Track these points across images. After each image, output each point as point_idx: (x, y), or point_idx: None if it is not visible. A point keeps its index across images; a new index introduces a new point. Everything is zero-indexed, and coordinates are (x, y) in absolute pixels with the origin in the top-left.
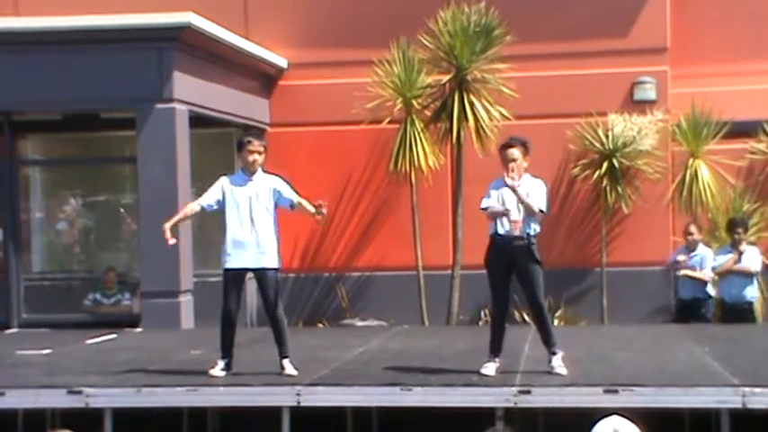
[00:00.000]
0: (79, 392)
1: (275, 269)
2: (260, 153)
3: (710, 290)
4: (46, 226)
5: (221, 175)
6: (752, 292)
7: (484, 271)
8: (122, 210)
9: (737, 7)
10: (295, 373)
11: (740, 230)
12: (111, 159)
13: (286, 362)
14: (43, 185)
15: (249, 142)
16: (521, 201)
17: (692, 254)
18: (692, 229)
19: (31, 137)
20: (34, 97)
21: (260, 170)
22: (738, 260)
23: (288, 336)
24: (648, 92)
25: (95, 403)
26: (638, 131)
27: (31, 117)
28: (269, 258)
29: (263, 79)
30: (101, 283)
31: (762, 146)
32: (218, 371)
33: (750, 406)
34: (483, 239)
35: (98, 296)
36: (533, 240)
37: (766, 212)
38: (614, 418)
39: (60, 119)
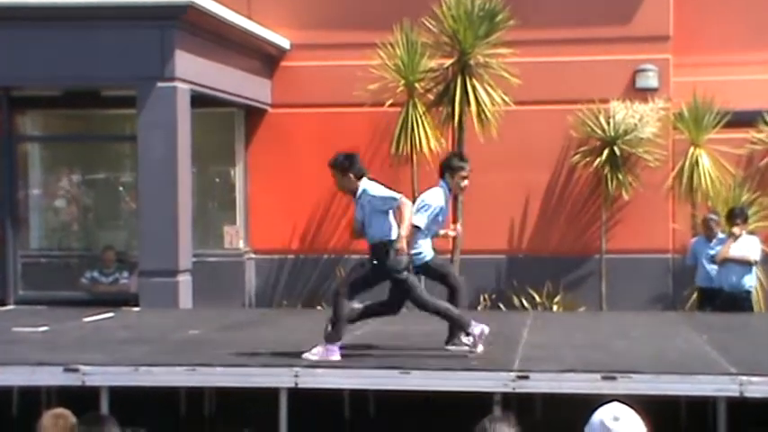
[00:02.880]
0: (76, 370)
1: None
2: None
3: (752, 279)
4: (44, 203)
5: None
6: (750, 281)
7: (484, 255)
8: (121, 188)
9: None
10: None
11: (738, 221)
12: (111, 137)
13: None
14: (42, 162)
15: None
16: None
17: (713, 243)
18: (711, 222)
19: (30, 113)
20: (34, 73)
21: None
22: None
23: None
24: (650, 80)
25: (92, 381)
26: (639, 119)
27: (30, 93)
28: None
29: (265, 60)
30: (99, 262)
31: (762, 135)
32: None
33: (747, 395)
34: (482, 224)
35: (96, 274)
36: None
37: (765, 202)
38: (614, 404)
39: (60, 95)
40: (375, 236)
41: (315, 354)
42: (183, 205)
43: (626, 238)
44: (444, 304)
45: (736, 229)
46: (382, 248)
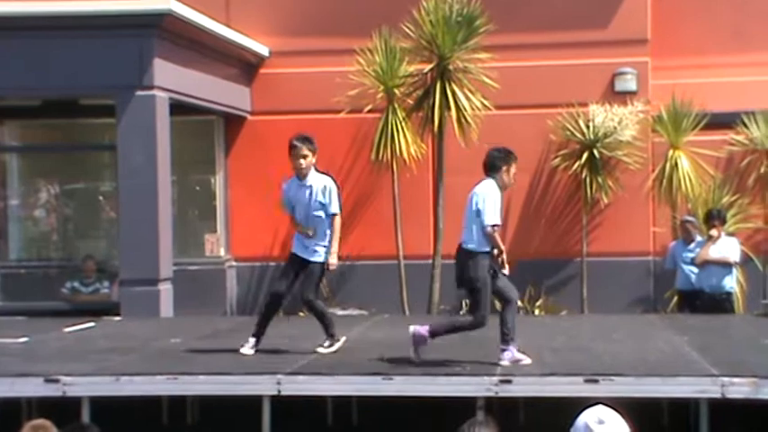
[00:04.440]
0: (56, 381)
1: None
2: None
3: (732, 281)
4: (23, 213)
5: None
6: (730, 283)
7: None
8: (101, 197)
9: None
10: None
11: (716, 223)
12: (91, 146)
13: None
14: (21, 172)
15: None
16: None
17: (691, 246)
18: (688, 225)
19: (9, 123)
20: (12, 83)
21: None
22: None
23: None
24: (629, 83)
25: (73, 392)
26: (618, 122)
27: (8, 103)
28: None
29: (244, 67)
30: (79, 272)
31: (740, 137)
32: (248, 349)
33: (729, 396)
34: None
35: (76, 284)
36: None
37: (744, 204)
38: (599, 407)
39: (39, 105)
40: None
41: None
42: (163, 214)
43: (607, 241)
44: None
45: (713, 231)
46: None
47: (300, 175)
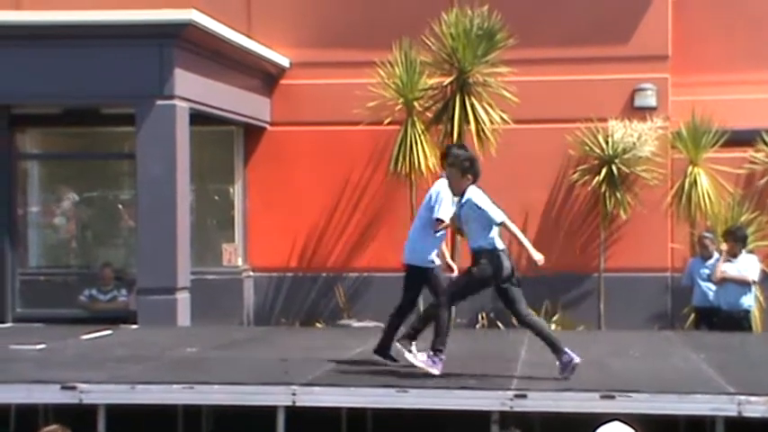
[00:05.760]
0: (73, 388)
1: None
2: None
3: (750, 299)
4: (43, 221)
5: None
6: (748, 301)
7: None
8: (120, 206)
9: (738, 17)
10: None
11: (729, 239)
12: (110, 155)
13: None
14: (41, 180)
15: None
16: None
17: (709, 263)
18: (706, 241)
19: (30, 131)
20: (34, 91)
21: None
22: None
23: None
24: (649, 99)
25: (89, 399)
26: (637, 138)
27: (30, 110)
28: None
29: (265, 78)
30: (97, 279)
31: (760, 155)
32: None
33: (746, 414)
34: None
35: (94, 292)
36: None
37: (764, 221)
38: (615, 423)
39: (60, 113)
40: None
41: (420, 360)
42: (181, 223)
43: (624, 256)
44: (542, 322)
45: (723, 246)
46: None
47: None
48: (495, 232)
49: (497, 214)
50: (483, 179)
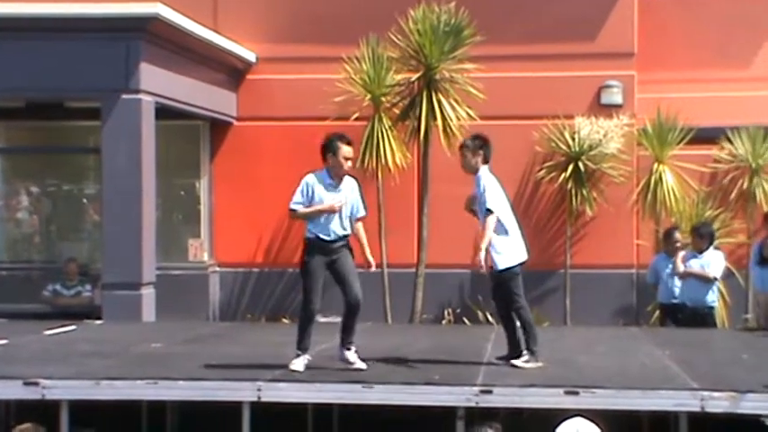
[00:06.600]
0: (35, 384)
1: None
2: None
3: (713, 295)
4: (6, 215)
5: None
6: (712, 297)
7: (448, 270)
8: (85, 200)
9: (704, 15)
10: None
11: (702, 239)
12: (75, 149)
13: None
14: (4, 174)
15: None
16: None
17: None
18: (677, 235)
19: None
20: None
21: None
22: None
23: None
24: (615, 96)
25: (52, 395)
26: (603, 135)
27: None
28: None
29: (231, 73)
30: (61, 274)
31: (725, 152)
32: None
33: (709, 410)
34: (447, 238)
35: (58, 287)
36: None
37: (728, 218)
38: (577, 419)
39: (23, 107)
40: None
41: (525, 362)
42: (146, 217)
43: (590, 253)
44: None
45: (678, 236)
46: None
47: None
48: (506, 219)
49: (492, 202)
50: (450, 175)
